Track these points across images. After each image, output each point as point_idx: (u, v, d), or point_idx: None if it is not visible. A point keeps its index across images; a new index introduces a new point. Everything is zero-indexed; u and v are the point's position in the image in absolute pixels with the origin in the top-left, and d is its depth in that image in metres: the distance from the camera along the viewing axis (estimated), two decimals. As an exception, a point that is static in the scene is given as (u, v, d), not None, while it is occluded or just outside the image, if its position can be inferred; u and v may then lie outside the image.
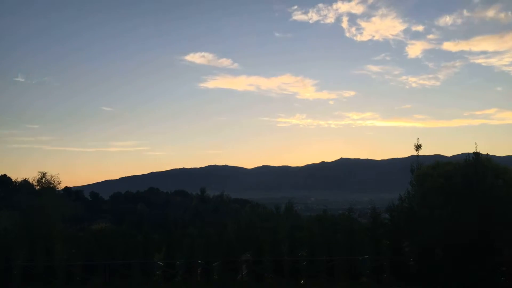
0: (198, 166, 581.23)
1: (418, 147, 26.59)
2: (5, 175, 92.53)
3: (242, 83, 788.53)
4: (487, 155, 23.99)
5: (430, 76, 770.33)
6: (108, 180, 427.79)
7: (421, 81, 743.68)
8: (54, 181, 45.98)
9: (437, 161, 26.25)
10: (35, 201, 38.27)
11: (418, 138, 26.54)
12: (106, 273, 26.62)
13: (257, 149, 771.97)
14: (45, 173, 45.58)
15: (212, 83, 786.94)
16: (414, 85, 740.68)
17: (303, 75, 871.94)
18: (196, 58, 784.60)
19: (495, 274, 21.68)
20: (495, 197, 21.62)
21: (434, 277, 22.50)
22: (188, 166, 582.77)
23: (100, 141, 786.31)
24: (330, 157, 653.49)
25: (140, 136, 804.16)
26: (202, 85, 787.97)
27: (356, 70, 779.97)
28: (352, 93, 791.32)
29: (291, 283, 25.20)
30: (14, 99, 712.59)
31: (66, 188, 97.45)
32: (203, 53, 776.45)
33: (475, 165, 22.71)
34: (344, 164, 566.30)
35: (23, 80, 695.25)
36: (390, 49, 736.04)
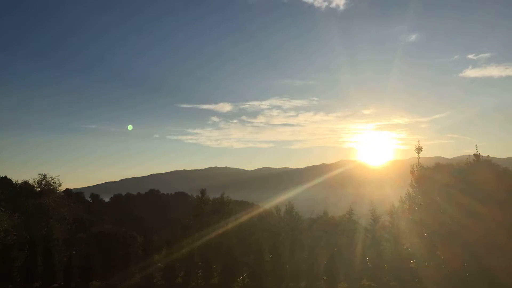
0: (198, 168, 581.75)
1: (418, 149, 26.53)
2: (5, 176, 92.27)
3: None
4: (487, 156, 23.97)
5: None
6: (108, 182, 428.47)
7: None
8: (55, 182, 46.03)
9: (438, 163, 26.21)
10: (36, 202, 38.24)
11: (418, 140, 26.47)
12: (106, 274, 26.61)
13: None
14: (46, 174, 45.52)
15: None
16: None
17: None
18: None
19: (493, 275, 21.64)
20: (495, 199, 21.60)
21: (434, 278, 22.46)
22: (188, 168, 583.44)
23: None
24: (330, 159, 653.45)
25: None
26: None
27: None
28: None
29: (292, 285, 25.14)
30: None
31: (67, 189, 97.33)
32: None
33: (475, 167, 22.71)
34: (344, 166, 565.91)
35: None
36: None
